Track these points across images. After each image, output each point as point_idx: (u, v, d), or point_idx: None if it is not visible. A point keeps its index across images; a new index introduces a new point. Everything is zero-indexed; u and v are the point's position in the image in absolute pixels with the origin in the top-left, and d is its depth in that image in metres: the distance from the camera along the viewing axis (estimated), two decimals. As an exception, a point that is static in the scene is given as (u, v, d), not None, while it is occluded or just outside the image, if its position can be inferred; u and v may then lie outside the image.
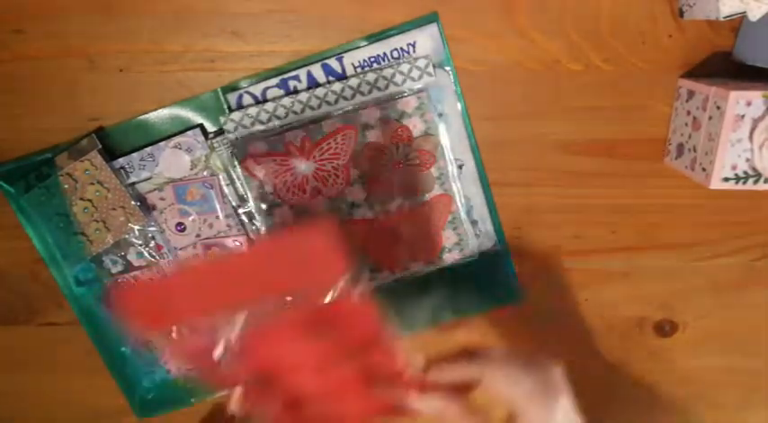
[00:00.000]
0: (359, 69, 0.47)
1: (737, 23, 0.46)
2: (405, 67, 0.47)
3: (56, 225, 0.49)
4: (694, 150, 0.45)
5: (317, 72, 0.47)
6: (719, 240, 0.53)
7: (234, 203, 0.50)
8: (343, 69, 0.47)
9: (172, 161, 0.48)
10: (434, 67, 0.47)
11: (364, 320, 0.39)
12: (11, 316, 0.54)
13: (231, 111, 0.47)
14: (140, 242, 0.50)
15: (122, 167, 0.48)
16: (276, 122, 0.48)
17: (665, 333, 0.56)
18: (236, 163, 0.48)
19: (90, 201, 0.48)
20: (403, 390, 0.42)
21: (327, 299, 0.38)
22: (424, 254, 0.51)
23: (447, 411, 0.43)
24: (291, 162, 0.48)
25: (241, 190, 0.49)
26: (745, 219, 0.52)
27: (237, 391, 0.40)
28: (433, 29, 0.46)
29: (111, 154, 0.48)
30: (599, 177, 0.51)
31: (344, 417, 0.42)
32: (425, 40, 0.47)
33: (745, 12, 0.40)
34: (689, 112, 0.46)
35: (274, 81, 0.47)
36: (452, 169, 0.49)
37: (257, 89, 0.47)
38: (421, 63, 0.46)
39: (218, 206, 0.50)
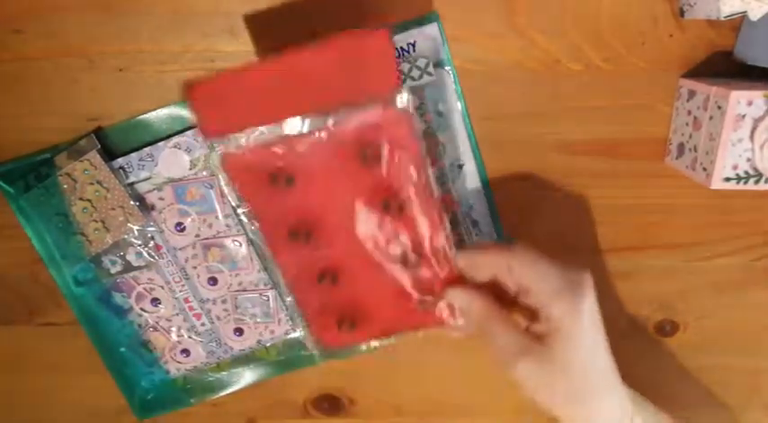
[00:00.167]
0: (359, 69, 0.47)
1: (738, 23, 0.46)
2: (405, 67, 0.47)
3: (55, 225, 0.49)
4: (695, 150, 0.45)
5: (317, 72, 0.47)
6: (720, 240, 0.53)
7: (233, 203, 0.50)
8: (343, 69, 0.47)
9: (171, 161, 0.48)
10: (434, 66, 0.47)
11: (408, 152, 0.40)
12: (10, 316, 0.54)
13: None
14: (140, 242, 0.50)
15: (121, 167, 0.48)
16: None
17: (666, 333, 0.56)
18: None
19: (89, 201, 0.48)
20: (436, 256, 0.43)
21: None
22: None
23: (472, 305, 0.43)
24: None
25: (241, 190, 0.49)
26: (745, 219, 0.52)
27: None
28: (433, 29, 0.46)
29: (110, 154, 0.48)
30: (599, 177, 0.51)
31: (378, 286, 0.44)
32: (425, 40, 0.46)
33: (745, 11, 0.40)
34: (689, 112, 0.46)
35: (274, 81, 0.47)
36: (452, 169, 0.49)
37: (257, 89, 0.47)
38: (421, 62, 0.46)
39: (217, 206, 0.50)
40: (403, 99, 0.39)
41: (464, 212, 0.51)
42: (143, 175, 0.48)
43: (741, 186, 0.43)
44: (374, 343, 0.47)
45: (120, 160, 0.48)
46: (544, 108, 0.49)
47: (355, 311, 0.45)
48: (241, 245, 0.51)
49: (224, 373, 0.55)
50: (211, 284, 0.52)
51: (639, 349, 0.56)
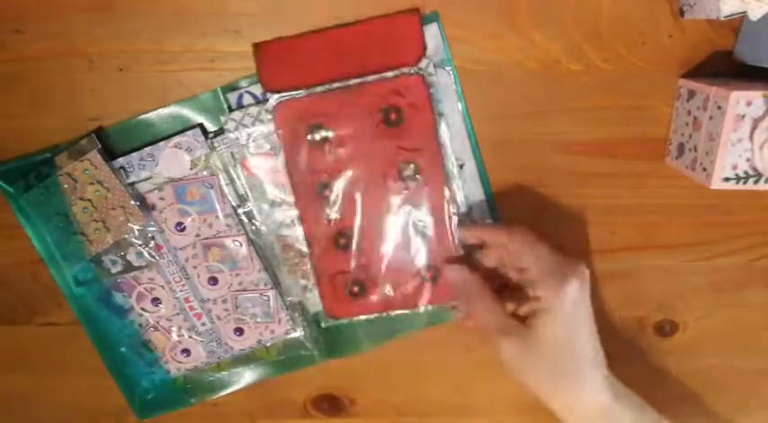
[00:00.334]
0: (359, 69, 0.48)
1: (738, 23, 0.46)
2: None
3: (55, 225, 0.49)
4: (695, 150, 0.45)
5: (318, 72, 0.48)
6: (719, 240, 0.53)
7: (234, 203, 0.50)
8: (344, 69, 0.47)
9: (172, 161, 0.48)
10: (435, 66, 0.47)
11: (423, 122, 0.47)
12: (11, 316, 0.54)
13: (232, 110, 0.47)
14: (140, 242, 0.50)
15: (122, 167, 0.48)
16: (276, 122, 0.48)
17: (665, 333, 0.56)
18: (236, 163, 0.48)
19: (90, 200, 0.48)
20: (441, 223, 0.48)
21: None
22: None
23: (465, 281, 0.47)
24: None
25: (241, 190, 0.49)
26: (745, 219, 0.52)
27: None
28: (433, 29, 0.46)
29: (110, 154, 0.48)
30: (599, 177, 0.51)
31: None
32: (425, 40, 0.46)
33: (745, 11, 0.40)
34: (689, 112, 0.46)
35: (274, 81, 0.48)
36: (453, 169, 0.49)
37: (258, 89, 0.47)
38: (422, 63, 0.46)
39: (217, 206, 0.50)
40: (423, 66, 0.46)
41: (464, 212, 0.51)
42: (143, 174, 0.48)
43: (741, 186, 0.43)
44: (376, 315, 0.51)
45: (121, 160, 0.48)
46: (544, 108, 0.49)
47: (365, 279, 0.50)
48: (241, 245, 0.51)
49: (224, 372, 0.55)
50: (212, 284, 0.52)
51: (639, 349, 0.56)
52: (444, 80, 0.48)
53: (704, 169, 0.44)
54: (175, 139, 0.48)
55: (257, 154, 0.48)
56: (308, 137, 0.47)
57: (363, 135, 0.47)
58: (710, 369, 0.57)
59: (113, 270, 0.51)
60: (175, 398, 0.56)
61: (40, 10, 0.45)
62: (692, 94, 0.46)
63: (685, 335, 0.56)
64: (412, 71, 0.46)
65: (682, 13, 0.46)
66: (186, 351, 0.54)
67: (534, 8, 0.46)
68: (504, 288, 0.48)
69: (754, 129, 0.41)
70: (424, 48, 0.46)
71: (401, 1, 0.46)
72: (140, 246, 0.50)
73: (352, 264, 0.50)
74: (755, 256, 0.53)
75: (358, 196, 0.48)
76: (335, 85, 0.46)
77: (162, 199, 0.49)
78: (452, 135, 0.49)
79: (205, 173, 0.49)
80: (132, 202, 0.48)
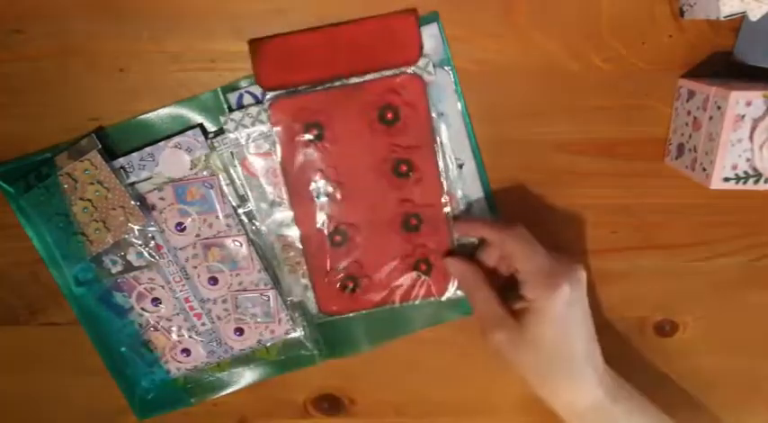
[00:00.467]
0: (359, 69, 0.48)
1: (738, 23, 0.46)
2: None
3: (55, 225, 0.49)
4: (695, 150, 0.45)
5: (318, 72, 0.48)
6: (719, 240, 0.53)
7: (234, 203, 0.50)
8: (344, 69, 0.47)
9: (172, 161, 0.48)
10: (434, 66, 0.47)
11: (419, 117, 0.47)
12: (11, 316, 0.54)
13: (232, 110, 0.47)
14: (140, 242, 0.50)
15: (122, 167, 0.48)
16: (276, 122, 0.48)
17: (665, 333, 0.56)
18: (236, 163, 0.48)
19: (90, 201, 0.48)
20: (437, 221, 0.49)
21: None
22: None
23: (465, 273, 0.48)
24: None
25: (241, 190, 0.49)
26: (745, 219, 0.52)
27: None
28: (433, 28, 0.46)
29: (110, 154, 0.48)
30: (599, 177, 0.51)
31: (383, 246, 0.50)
32: (425, 40, 0.46)
33: (745, 11, 0.40)
34: (689, 112, 0.46)
35: (274, 81, 0.48)
36: (451, 166, 0.49)
37: (258, 89, 0.47)
38: (421, 62, 0.46)
39: (217, 206, 0.50)
40: (421, 65, 0.46)
41: (463, 210, 0.51)
42: (144, 174, 0.48)
43: (741, 186, 0.43)
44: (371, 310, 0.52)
45: (121, 160, 0.48)
46: (544, 108, 0.49)
47: (359, 275, 0.50)
48: (241, 245, 0.51)
49: (224, 372, 0.55)
50: (212, 284, 0.52)
51: (639, 349, 0.56)
52: (444, 80, 0.48)
53: (704, 169, 0.44)
54: (175, 139, 0.48)
55: (257, 154, 0.48)
56: (304, 135, 0.47)
57: (358, 133, 0.47)
58: (710, 369, 0.57)
59: (113, 270, 0.51)
60: (175, 398, 0.56)
61: (39, 10, 0.45)
62: (691, 94, 0.46)
63: (685, 335, 0.56)
64: (409, 70, 0.46)
65: (682, 13, 0.46)
66: (186, 351, 0.54)
67: (534, 8, 0.46)
68: (507, 284, 0.48)
69: (753, 129, 0.41)
70: (422, 47, 0.46)
71: (401, 1, 0.46)
72: (140, 246, 0.50)
73: (347, 260, 0.50)
74: (755, 256, 0.53)
75: (352, 193, 0.49)
76: (332, 83, 0.46)
77: (162, 199, 0.49)
78: (452, 135, 0.49)
79: (205, 173, 0.49)
80: (132, 202, 0.48)
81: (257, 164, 0.48)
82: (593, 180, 0.51)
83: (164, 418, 0.56)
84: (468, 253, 0.50)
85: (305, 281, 0.51)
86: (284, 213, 0.49)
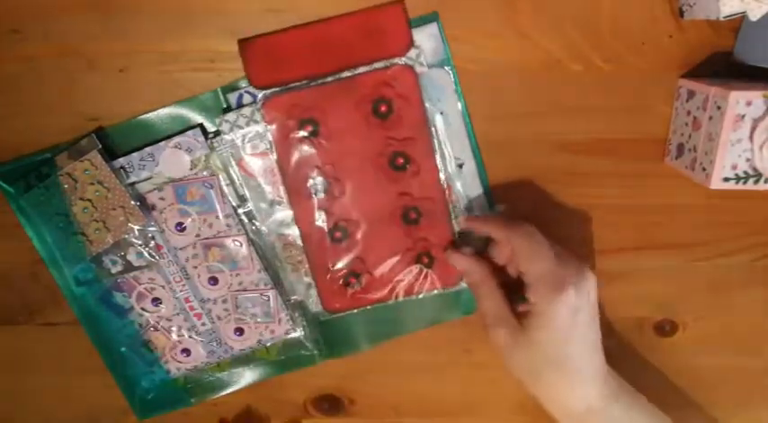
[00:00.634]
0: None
1: (738, 23, 0.46)
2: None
3: (56, 225, 0.49)
4: (694, 150, 0.45)
5: (317, 72, 0.48)
6: (719, 240, 0.53)
7: (234, 203, 0.50)
8: (344, 69, 0.48)
9: (172, 161, 0.48)
10: (427, 64, 0.47)
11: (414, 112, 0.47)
12: (11, 316, 0.54)
13: (227, 111, 0.47)
14: (140, 242, 0.50)
15: (122, 167, 0.48)
16: (276, 122, 0.48)
17: (665, 333, 0.56)
18: (233, 163, 0.48)
19: (90, 201, 0.48)
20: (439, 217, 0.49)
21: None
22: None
23: (471, 268, 0.47)
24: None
25: (241, 190, 0.49)
26: (745, 219, 0.52)
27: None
28: (433, 28, 0.46)
29: (110, 154, 0.48)
30: (599, 177, 0.51)
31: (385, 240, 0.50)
32: (425, 40, 0.46)
33: (745, 12, 0.40)
34: (689, 112, 0.46)
35: (274, 81, 0.48)
36: (450, 160, 0.49)
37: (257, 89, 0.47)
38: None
39: (217, 206, 0.50)
40: (411, 56, 0.46)
41: (464, 209, 0.51)
42: (144, 174, 0.48)
43: (740, 186, 0.43)
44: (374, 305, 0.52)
45: (121, 160, 0.48)
46: (544, 108, 0.49)
47: (361, 271, 0.50)
48: (241, 245, 0.51)
49: (224, 372, 0.55)
50: (212, 284, 0.52)
51: (639, 349, 0.56)
52: (444, 80, 0.48)
53: (704, 169, 0.44)
54: (175, 140, 0.48)
55: (253, 154, 0.48)
56: (299, 131, 0.47)
57: (353, 128, 0.47)
58: (710, 369, 0.57)
59: (113, 270, 0.51)
60: (175, 398, 0.56)
61: (39, 10, 0.45)
62: (691, 94, 0.46)
63: (685, 335, 0.56)
64: (400, 61, 0.46)
65: (681, 13, 0.46)
66: (186, 351, 0.54)
67: (534, 8, 0.46)
68: (515, 285, 0.47)
69: (753, 129, 0.41)
70: (411, 37, 0.46)
71: None
72: (140, 246, 0.50)
73: (348, 256, 0.50)
74: (755, 256, 0.53)
75: (350, 189, 0.49)
76: (324, 78, 0.46)
77: (162, 199, 0.49)
78: (452, 135, 0.49)
79: (205, 173, 0.49)
80: (132, 203, 0.48)
81: (254, 164, 0.48)
82: (594, 180, 0.51)
83: (164, 418, 0.56)
84: (472, 244, 0.50)
85: (308, 279, 0.51)
86: (284, 212, 0.49)
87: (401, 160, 0.48)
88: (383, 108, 0.47)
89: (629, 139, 0.50)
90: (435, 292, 0.51)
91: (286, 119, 0.47)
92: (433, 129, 0.48)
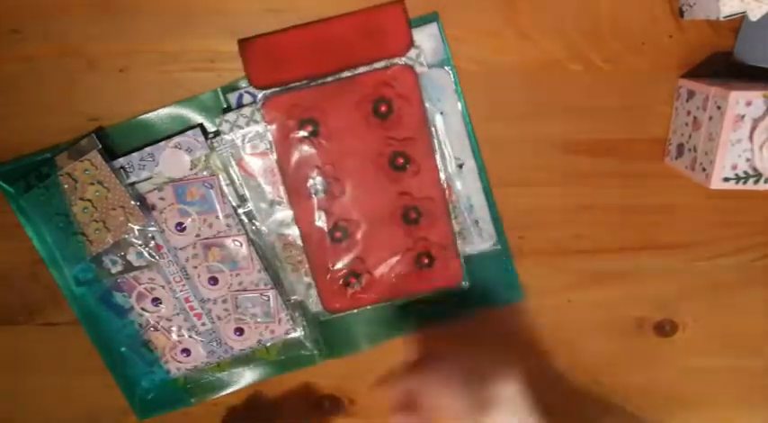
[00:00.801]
0: (359, 69, 0.48)
1: (738, 23, 0.46)
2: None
3: (56, 225, 0.49)
4: (694, 150, 0.45)
5: (317, 72, 0.48)
6: (719, 240, 0.53)
7: (234, 203, 0.50)
8: (344, 69, 0.48)
9: (172, 161, 0.48)
10: (427, 64, 0.47)
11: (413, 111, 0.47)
12: (11, 316, 0.54)
13: (227, 111, 0.47)
14: (140, 242, 0.50)
15: (122, 167, 0.48)
16: (276, 122, 0.48)
17: (665, 333, 0.56)
18: (233, 163, 0.48)
19: (90, 201, 0.48)
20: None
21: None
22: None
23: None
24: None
25: (241, 190, 0.49)
26: (745, 219, 0.52)
27: None
28: (433, 28, 0.46)
29: (110, 154, 0.48)
30: (599, 177, 0.51)
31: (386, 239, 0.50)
32: (425, 40, 0.46)
33: (745, 12, 0.40)
34: (689, 112, 0.46)
35: (274, 81, 0.48)
36: (450, 160, 0.49)
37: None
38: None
39: (217, 206, 0.50)
40: (411, 56, 0.46)
41: (464, 209, 0.51)
42: (144, 174, 0.48)
43: (740, 186, 0.43)
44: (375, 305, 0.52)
45: (121, 160, 0.48)
46: (544, 108, 0.49)
47: (362, 270, 0.50)
48: (241, 245, 0.51)
49: (224, 372, 0.55)
50: (212, 284, 0.52)
51: (639, 349, 0.56)
52: (444, 80, 0.48)
53: (704, 169, 0.44)
54: (175, 140, 0.48)
55: (253, 154, 0.48)
56: (299, 131, 0.47)
57: (353, 127, 0.47)
58: (710, 368, 0.57)
59: (113, 270, 0.51)
60: (175, 398, 0.56)
61: (39, 10, 0.45)
62: (691, 94, 0.46)
63: (685, 335, 0.56)
64: (400, 61, 0.46)
65: (681, 13, 0.46)
66: (186, 351, 0.54)
67: (534, 8, 0.46)
68: None
69: (753, 129, 0.41)
70: (411, 37, 0.46)
71: None
72: (140, 246, 0.50)
73: (348, 256, 0.50)
74: (755, 256, 0.53)
75: (350, 189, 0.49)
76: (324, 78, 0.46)
77: (162, 199, 0.49)
78: (452, 135, 0.49)
79: (205, 173, 0.49)
80: (132, 203, 0.48)
81: (254, 164, 0.48)
82: (594, 180, 0.51)
83: (164, 418, 0.56)
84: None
85: (308, 279, 0.51)
86: (284, 212, 0.49)
87: (401, 160, 0.48)
88: (383, 108, 0.47)
89: (629, 139, 0.50)
90: (435, 292, 0.51)
91: (286, 119, 0.47)
92: (433, 129, 0.48)
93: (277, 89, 0.47)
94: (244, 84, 0.47)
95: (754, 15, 0.41)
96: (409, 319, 0.54)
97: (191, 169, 0.49)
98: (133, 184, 0.49)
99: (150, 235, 0.50)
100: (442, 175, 0.49)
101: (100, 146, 0.47)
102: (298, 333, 0.53)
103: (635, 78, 0.48)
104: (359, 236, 0.50)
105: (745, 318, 0.55)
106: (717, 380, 0.57)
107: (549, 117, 0.49)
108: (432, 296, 0.52)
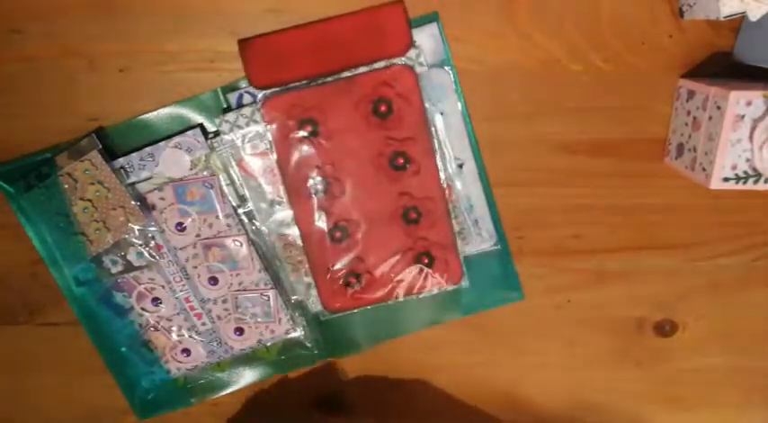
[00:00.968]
0: (359, 69, 0.48)
1: (738, 23, 0.46)
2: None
3: (56, 225, 0.49)
4: (694, 150, 0.45)
5: (317, 72, 0.48)
6: (719, 240, 0.53)
7: (234, 203, 0.50)
8: (344, 69, 0.48)
9: (172, 161, 0.48)
10: (427, 64, 0.47)
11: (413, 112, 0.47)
12: (11, 316, 0.54)
13: (226, 111, 0.47)
14: (140, 242, 0.50)
15: (122, 167, 0.48)
16: (276, 122, 0.48)
17: (665, 333, 0.56)
18: (233, 163, 0.48)
19: (90, 201, 0.48)
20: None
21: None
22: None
23: None
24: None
25: (241, 190, 0.49)
26: (745, 219, 0.52)
27: None
28: (432, 28, 0.46)
29: (111, 154, 0.48)
30: (599, 177, 0.51)
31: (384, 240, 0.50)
32: (425, 40, 0.46)
33: (745, 12, 0.40)
34: (689, 112, 0.46)
35: (274, 81, 0.48)
36: (450, 159, 0.49)
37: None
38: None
39: (218, 206, 0.50)
40: (411, 56, 0.46)
41: (465, 209, 0.51)
42: (144, 174, 0.49)
43: (740, 186, 0.43)
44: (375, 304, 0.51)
45: (121, 160, 0.48)
46: (544, 108, 0.49)
47: (362, 270, 0.50)
48: (242, 245, 0.51)
49: (224, 372, 0.55)
50: (212, 284, 0.52)
51: (639, 349, 0.56)
52: (444, 80, 0.48)
53: (704, 169, 0.44)
54: (175, 140, 0.48)
55: (253, 154, 0.48)
56: (299, 131, 0.47)
57: (353, 127, 0.47)
58: (710, 368, 0.57)
59: (114, 270, 0.51)
60: (175, 398, 0.56)
61: (39, 10, 0.45)
62: (691, 94, 0.46)
63: (685, 335, 0.56)
64: (400, 61, 0.46)
65: (681, 13, 0.46)
66: (186, 351, 0.54)
67: (534, 8, 0.46)
68: None
69: (753, 129, 0.41)
70: (411, 37, 0.46)
71: None
72: (140, 246, 0.50)
73: (348, 256, 0.50)
74: (755, 256, 0.53)
75: (350, 189, 0.49)
76: (324, 78, 0.46)
77: (162, 199, 0.49)
78: (452, 135, 0.49)
79: (205, 173, 0.49)
80: (132, 203, 0.48)
81: (254, 164, 0.48)
82: (594, 180, 0.51)
83: (164, 418, 0.56)
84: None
85: (308, 279, 0.51)
86: (284, 212, 0.49)
87: (401, 160, 0.48)
88: (383, 108, 0.47)
89: (629, 139, 0.50)
90: (435, 291, 0.51)
91: (286, 119, 0.47)
92: (433, 129, 0.48)
93: (277, 89, 0.47)
94: (244, 84, 0.47)
95: (754, 15, 0.41)
96: (409, 319, 0.54)
97: (191, 169, 0.49)
98: (133, 184, 0.49)
99: (150, 235, 0.50)
100: (442, 175, 0.49)
101: (100, 146, 0.47)
102: (298, 333, 0.53)
103: (635, 78, 0.48)
104: (359, 236, 0.49)
105: (746, 318, 0.55)
106: (717, 380, 0.57)
107: (549, 117, 0.49)
108: (431, 296, 0.52)
